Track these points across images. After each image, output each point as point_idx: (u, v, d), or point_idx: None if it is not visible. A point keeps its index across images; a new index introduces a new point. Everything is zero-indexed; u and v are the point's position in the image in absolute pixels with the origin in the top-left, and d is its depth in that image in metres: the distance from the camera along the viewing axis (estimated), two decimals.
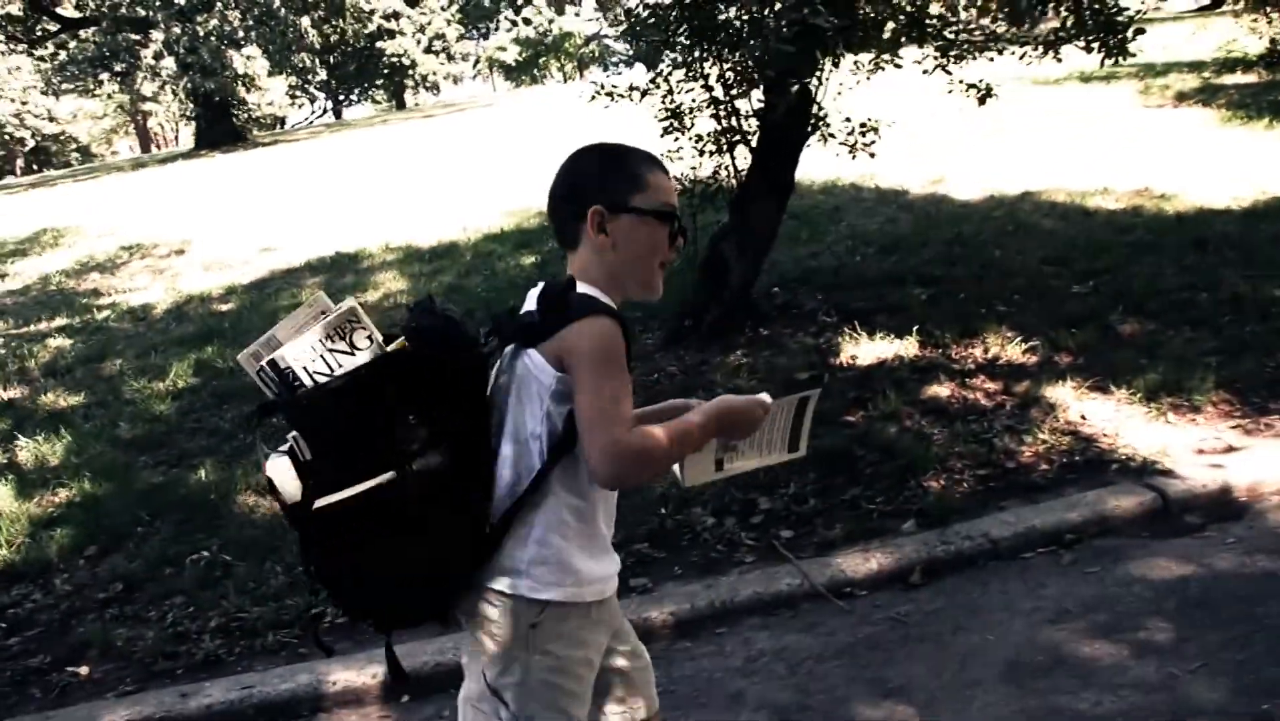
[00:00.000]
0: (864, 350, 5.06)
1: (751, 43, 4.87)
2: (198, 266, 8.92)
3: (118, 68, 19.56)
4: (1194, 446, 3.99)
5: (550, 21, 37.78)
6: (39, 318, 7.76)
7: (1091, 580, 3.25)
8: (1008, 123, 10.00)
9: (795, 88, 4.94)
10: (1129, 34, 5.09)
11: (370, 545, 1.59)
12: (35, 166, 31.68)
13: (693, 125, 5.57)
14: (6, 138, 29.18)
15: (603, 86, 5.52)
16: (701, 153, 5.49)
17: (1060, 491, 3.78)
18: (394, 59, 30.19)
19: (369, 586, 1.65)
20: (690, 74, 5.34)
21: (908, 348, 5.03)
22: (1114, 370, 4.59)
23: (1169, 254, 5.96)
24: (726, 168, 5.49)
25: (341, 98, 34.14)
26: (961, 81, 5.31)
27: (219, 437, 5.10)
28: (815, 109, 5.43)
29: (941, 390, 4.61)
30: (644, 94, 5.54)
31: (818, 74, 5.35)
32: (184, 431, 5.23)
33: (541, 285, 1.68)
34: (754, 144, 5.44)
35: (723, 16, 5.13)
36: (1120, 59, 5.29)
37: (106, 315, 7.58)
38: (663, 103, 5.48)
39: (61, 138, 32.68)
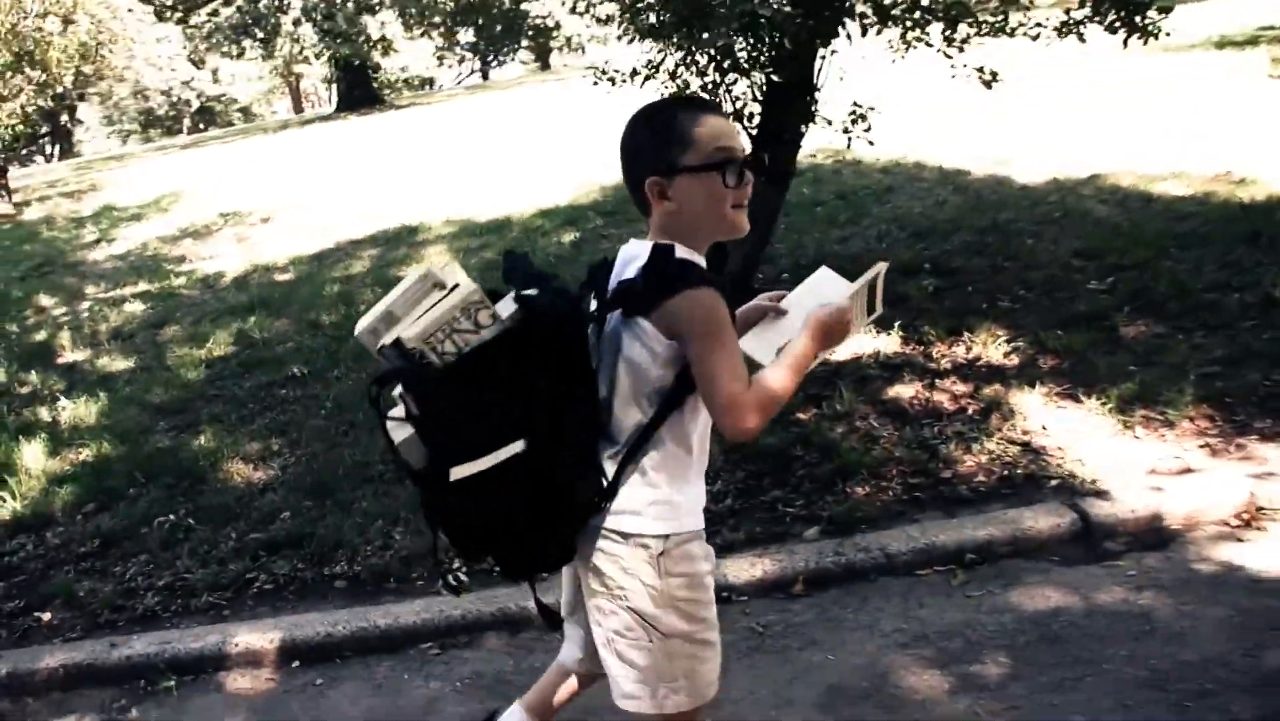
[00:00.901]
0: (844, 344, 5.00)
1: (760, 18, 4.81)
2: (280, 234, 9.54)
3: (259, 35, 20.80)
4: (1149, 465, 3.81)
5: None
6: (125, 282, 8.52)
7: (967, 605, 3.20)
8: (1105, 97, 9.43)
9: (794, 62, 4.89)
10: (1151, 12, 4.79)
11: (502, 506, 1.79)
12: (201, 125, 34.11)
13: None
14: (175, 99, 31.64)
15: (603, 70, 5.58)
16: None
17: (984, 507, 3.70)
18: (538, 20, 30.69)
19: (499, 540, 1.89)
20: (688, 58, 5.33)
21: (889, 343, 4.95)
22: (1095, 377, 4.41)
23: (1216, 248, 5.57)
24: None
25: (490, 59, 34.99)
26: (965, 66, 5.11)
27: (231, 405, 5.55)
28: (815, 94, 5.36)
29: (906, 390, 4.54)
30: (646, 78, 5.58)
31: (821, 56, 5.29)
32: (205, 398, 5.71)
33: (645, 252, 1.81)
34: (754, 131, 5.43)
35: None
36: (1146, 39, 5.00)
37: (182, 282, 8.25)
38: (662, 89, 5.51)
39: (224, 99, 35.10)
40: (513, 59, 38.32)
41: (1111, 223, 6.20)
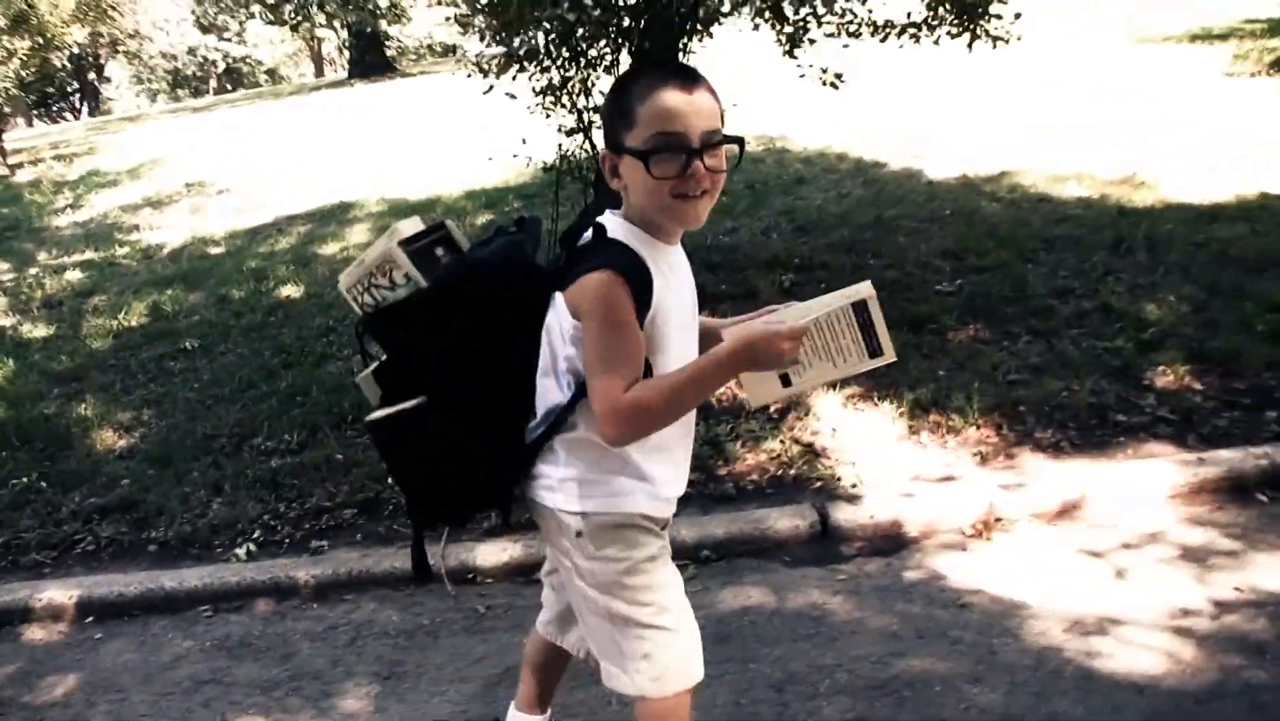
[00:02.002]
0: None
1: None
2: (231, 207, 9.94)
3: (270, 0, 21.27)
4: (914, 472, 4.04)
5: None
6: (75, 250, 8.98)
7: None
8: (1057, 94, 9.50)
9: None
10: (987, 18, 4.97)
11: (407, 456, 1.89)
12: (228, 86, 34.86)
13: (568, 101, 5.79)
14: (201, 60, 32.41)
15: (477, 61, 5.81)
16: (562, 130, 5.73)
17: (742, 505, 3.94)
18: None
19: (407, 485, 1.98)
20: (548, 50, 5.55)
21: None
22: (900, 381, 4.62)
23: (1078, 252, 5.73)
24: (585, 146, 5.73)
25: None
26: (812, 65, 5.31)
27: (121, 375, 5.94)
28: None
29: None
30: (520, 68, 5.79)
31: (684, 46, 5.51)
32: (101, 368, 6.10)
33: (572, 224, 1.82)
34: None
35: None
36: (995, 44, 5.18)
37: (125, 252, 8.68)
38: (530, 81, 5.74)
39: (249, 60, 35.79)
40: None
41: (992, 223, 6.35)
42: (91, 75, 31.04)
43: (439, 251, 1.88)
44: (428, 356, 1.82)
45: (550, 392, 1.81)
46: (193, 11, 22.36)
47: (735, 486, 4.07)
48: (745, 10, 5.38)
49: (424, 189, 9.39)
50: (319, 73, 32.52)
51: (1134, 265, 5.49)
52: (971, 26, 5.00)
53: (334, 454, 4.61)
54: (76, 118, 31.39)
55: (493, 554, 3.78)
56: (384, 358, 1.92)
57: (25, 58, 13.80)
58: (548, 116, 5.81)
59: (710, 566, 3.65)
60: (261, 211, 9.49)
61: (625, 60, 5.60)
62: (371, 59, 23.35)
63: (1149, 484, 3.76)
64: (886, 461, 4.12)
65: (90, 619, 3.81)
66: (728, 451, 4.28)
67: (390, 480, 2.24)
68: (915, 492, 3.88)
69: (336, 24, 22.67)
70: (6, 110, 15.33)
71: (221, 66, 34.62)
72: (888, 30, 5.24)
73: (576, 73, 5.47)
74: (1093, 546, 3.46)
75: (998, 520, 3.70)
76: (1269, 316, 4.76)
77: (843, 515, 3.78)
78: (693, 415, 1.89)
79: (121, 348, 6.41)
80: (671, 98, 1.64)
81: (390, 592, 3.72)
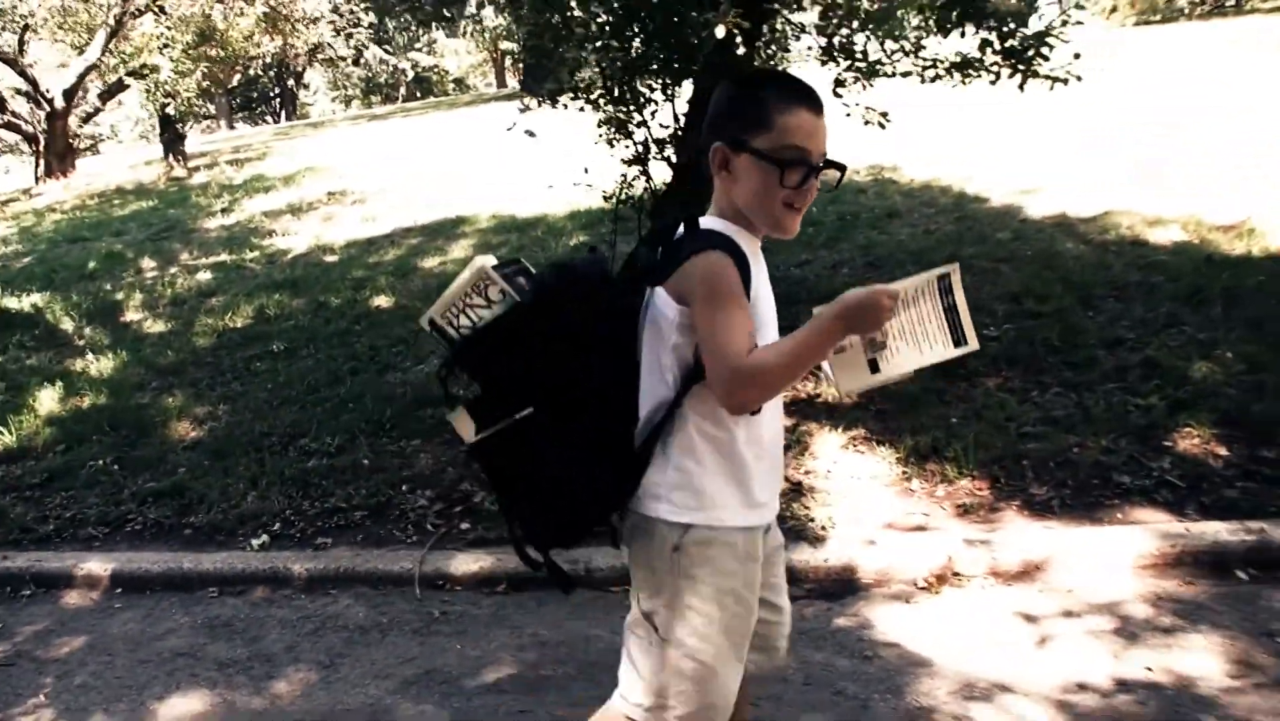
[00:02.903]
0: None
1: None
2: (362, 216, 10.74)
3: (446, 14, 22.62)
4: (891, 519, 4.10)
5: None
6: (214, 253, 9.96)
7: (598, 623, 3.66)
8: (1180, 129, 9.05)
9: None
10: (1035, 53, 4.95)
11: (522, 473, 1.90)
12: (418, 94, 37.08)
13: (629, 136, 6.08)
14: (392, 68, 34.77)
15: (524, 100, 6.18)
16: (626, 161, 6.02)
17: None
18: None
19: (523, 508, 1.97)
20: (606, 89, 5.87)
21: None
22: (906, 426, 4.66)
23: (1147, 302, 5.55)
24: (638, 178, 5.99)
25: None
26: (858, 105, 5.40)
27: (212, 371, 6.65)
28: None
29: None
30: (560, 102, 6.08)
31: None
32: (199, 364, 6.84)
33: (665, 222, 1.89)
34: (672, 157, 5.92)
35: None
36: (1051, 85, 5.15)
37: (254, 256, 9.58)
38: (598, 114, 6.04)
39: (438, 70, 37.95)
40: None
41: (1069, 266, 6.20)
42: (291, 82, 33.78)
43: (520, 280, 1.91)
44: (531, 367, 1.85)
45: (655, 390, 1.85)
46: (371, 25, 24.07)
47: None
48: (810, 49, 5.53)
49: (535, 207, 9.89)
50: (500, 84, 34.13)
51: (1202, 318, 5.28)
52: (1022, 68, 4.98)
53: (362, 458, 5.08)
54: (276, 121, 34.21)
55: (464, 564, 4.12)
56: (472, 393, 1.95)
57: (209, 69, 15.36)
58: (611, 146, 6.12)
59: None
60: (385, 221, 10.24)
61: (686, 91, 5.85)
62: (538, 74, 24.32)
63: (1120, 551, 3.70)
64: (868, 506, 4.20)
65: (119, 590, 4.38)
66: None
67: (500, 509, 2.09)
68: (880, 540, 3.95)
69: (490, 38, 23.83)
70: (194, 116, 16.97)
71: (410, 75, 37.00)
72: (936, 70, 5.27)
73: (634, 107, 5.76)
74: (1034, 610, 3.46)
75: (955, 575, 3.73)
76: None
77: (800, 557, 3.89)
78: (771, 432, 1.93)
79: (220, 346, 7.15)
80: (807, 116, 1.78)
81: (369, 591, 4.11)
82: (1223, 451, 4.23)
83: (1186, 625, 3.25)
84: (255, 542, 4.53)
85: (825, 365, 1.90)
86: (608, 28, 4.95)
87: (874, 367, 1.87)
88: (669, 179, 5.99)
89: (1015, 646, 3.25)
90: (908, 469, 4.40)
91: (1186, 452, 4.25)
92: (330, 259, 9.08)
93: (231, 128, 32.13)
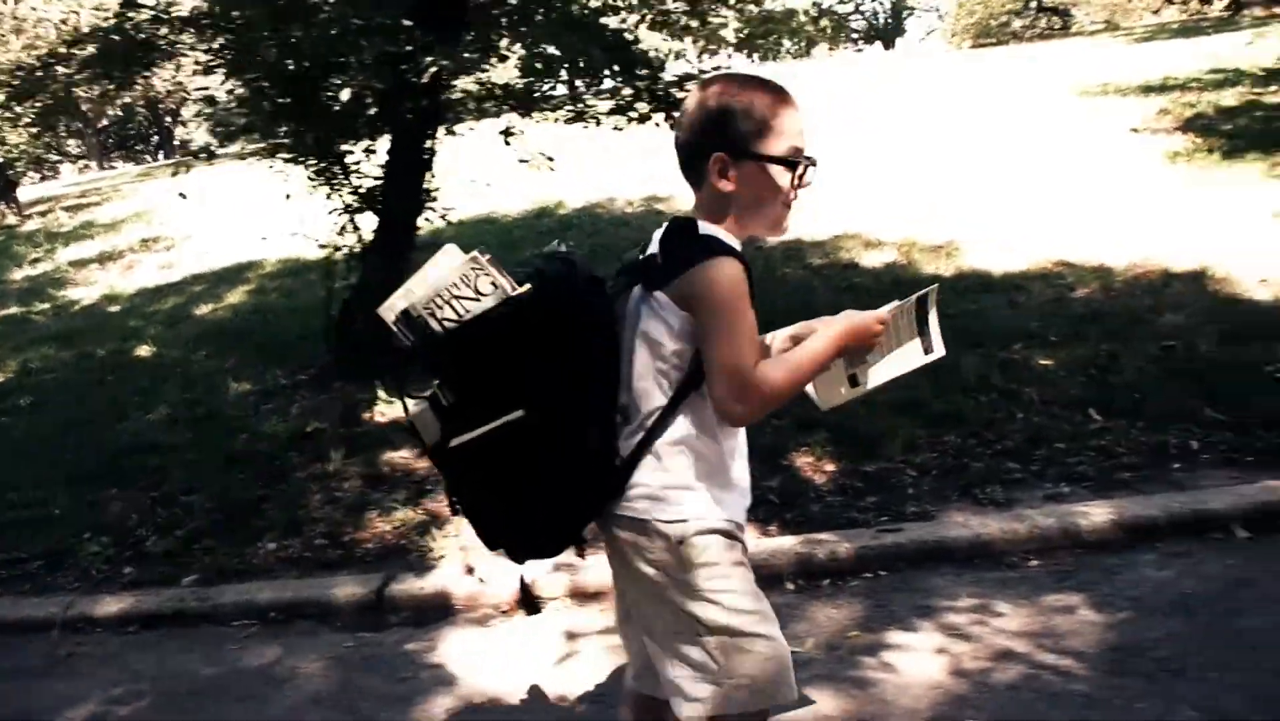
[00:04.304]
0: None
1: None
2: (164, 265, 10.93)
3: None
4: None
5: None
6: (7, 305, 10.09)
7: (207, 659, 3.95)
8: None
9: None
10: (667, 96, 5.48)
11: (502, 480, 1.84)
12: None
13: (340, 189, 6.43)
14: None
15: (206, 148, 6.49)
16: (333, 211, 6.38)
17: (351, 569, 4.40)
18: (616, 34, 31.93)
19: (503, 518, 1.92)
20: (299, 147, 6.19)
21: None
22: None
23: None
24: (347, 228, 6.36)
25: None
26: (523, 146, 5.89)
27: None
28: (429, 175, 6.22)
29: (400, 456, 5.31)
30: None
31: (430, 136, 6.14)
32: None
33: (664, 226, 1.87)
34: (379, 206, 6.31)
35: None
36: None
37: (44, 308, 9.73)
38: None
39: None
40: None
41: (772, 288, 6.69)
42: (169, 119, 33.54)
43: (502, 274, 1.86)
44: (522, 364, 1.80)
45: (648, 395, 1.85)
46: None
47: (345, 552, 4.60)
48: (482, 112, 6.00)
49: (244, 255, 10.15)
50: None
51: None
52: (668, 109, 5.52)
53: (55, 509, 5.33)
54: (154, 160, 33.93)
55: (108, 605, 4.37)
56: (432, 393, 1.89)
57: (35, 118, 15.33)
58: (329, 197, 6.48)
59: (272, 626, 4.18)
60: (181, 269, 10.46)
61: (384, 145, 6.25)
62: None
63: None
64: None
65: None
66: (359, 519, 4.81)
67: (470, 517, 1.96)
68: (480, 567, 4.28)
69: None
70: (34, 162, 16.96)
71: None
72: (596, 114, 5.79)
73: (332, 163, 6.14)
74: (583, 629, 3.80)
75: (536, 597, 4.10)
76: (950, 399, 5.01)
77: (403, 585, 4.24)
78: (744, 446, 1.97)
79: None
80: (798, 115, 1.84)
81: (10, 638, 4.37)
82: (829, 467, 4.68)
83: None
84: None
85: None
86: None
87: (853, 382, 1.95)
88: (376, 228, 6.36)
89: (545, 663, 3.58)
90: None
91: (800, 470, 4.69)
92: (114, 309, 9.29)
93: (104, 167, 31.81)
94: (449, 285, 1.77)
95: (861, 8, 40.23)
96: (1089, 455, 4.57)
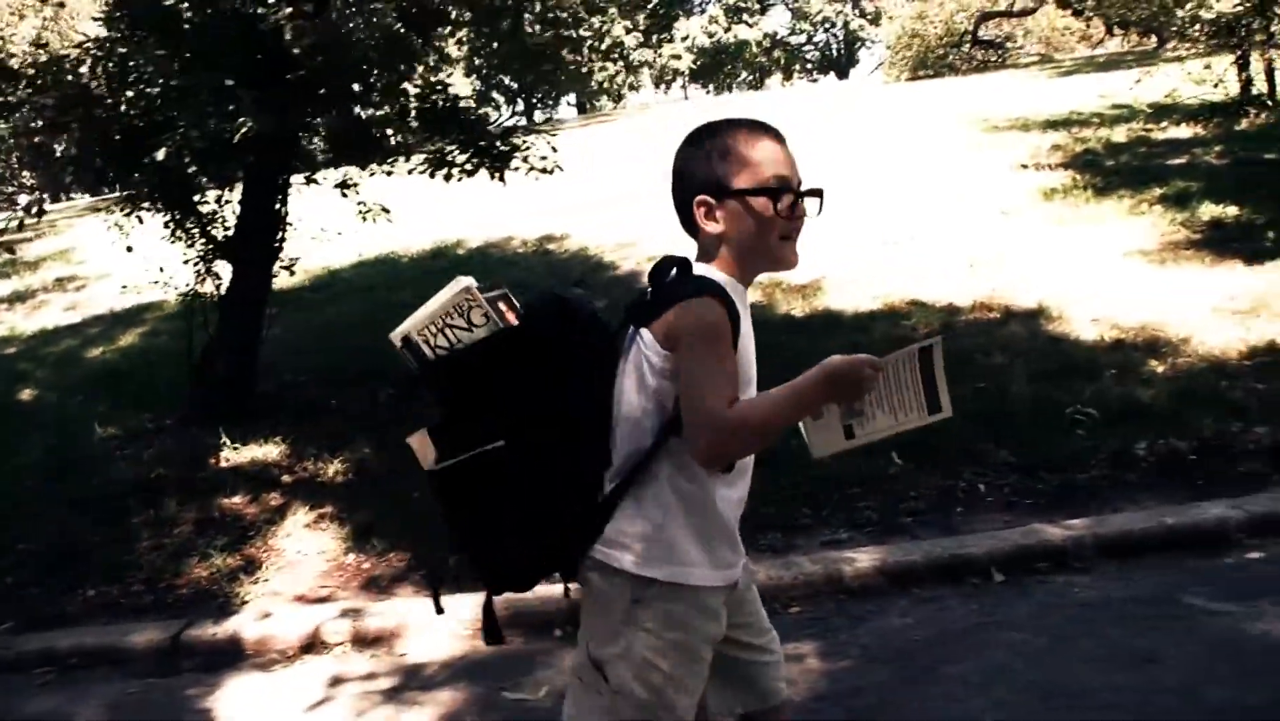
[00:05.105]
0: (242, 454, 5.89)
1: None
2: (64, 305, 11.01)
3: None
4: (303, 593, 4.62)
5: (727, 30, 38.08)
6: None
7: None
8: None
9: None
10: (505, 151, 5.69)
11: (481, 508, 1.85)
12: None
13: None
14: None
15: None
16: (187, 261, 6.54)
17: (157, 616, 4.54)
18: (571, 65, 32.21)
19: (481, 545, 1.91)
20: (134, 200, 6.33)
21: (269, 453, 5.87)
22: (362, 504, 5.20)
23: None
24: (203, 275, 6.51)
25: (535, 102, 37.03)
26: (362, 202, 6.08)
27: None
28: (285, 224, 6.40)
29: (235, 500, 5.46)
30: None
31: (283, 181, 6.32)
32: None
33: (657, 262, 1.87)
34: (235, 254, 6.46)
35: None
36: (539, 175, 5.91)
37: None
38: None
39: None
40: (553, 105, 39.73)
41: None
42: None
43: (501, 307, 1.89)
44: (508, 396, 1.83)
45: (631, 436, 1.84)
46: None
47: (157, 598, 4.71)
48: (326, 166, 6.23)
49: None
50: None
51: None
52: (498, 165, 5.73)
53: None
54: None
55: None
56: (435, 421, 1.91)
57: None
58: (190, 246, 6.62)
59: (71, 673, 4.28)
60: (85, 309, 10.47)
61: (236, 196, 6.42)
62: None
63: (463, 617, 4.17)
64: (296, 581, 4.71)
65: None
66: (180, 565, 4.94)
67: (452, 540, 1.99)
68: (278, 612, 4.45)
69: None
70: None
71: None
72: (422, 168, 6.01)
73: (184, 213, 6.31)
74: (351, 674, 3.96)
75: (321, 644, 4.25)
76: None
77: (199, 631, 4.36)
78: (743, 488, 1.94)
79: None
80: (776, 146, 1.85)
81: None
82: None
83: (453, 679, 3.80)
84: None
85: (801, 425, 1.89)
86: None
87: (849, 433, 1.90)
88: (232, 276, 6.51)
89: (325, 708, 3.73)
90: (351, 545, 4.94)
91: None
92: (9, 351, 9.39)
93: (61, 199, 31.66)
94: (444, 314, 1.83)
95: (815, 39, 40.77)
96: (880, 499, 4.73)
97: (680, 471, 1.80)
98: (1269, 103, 10.29)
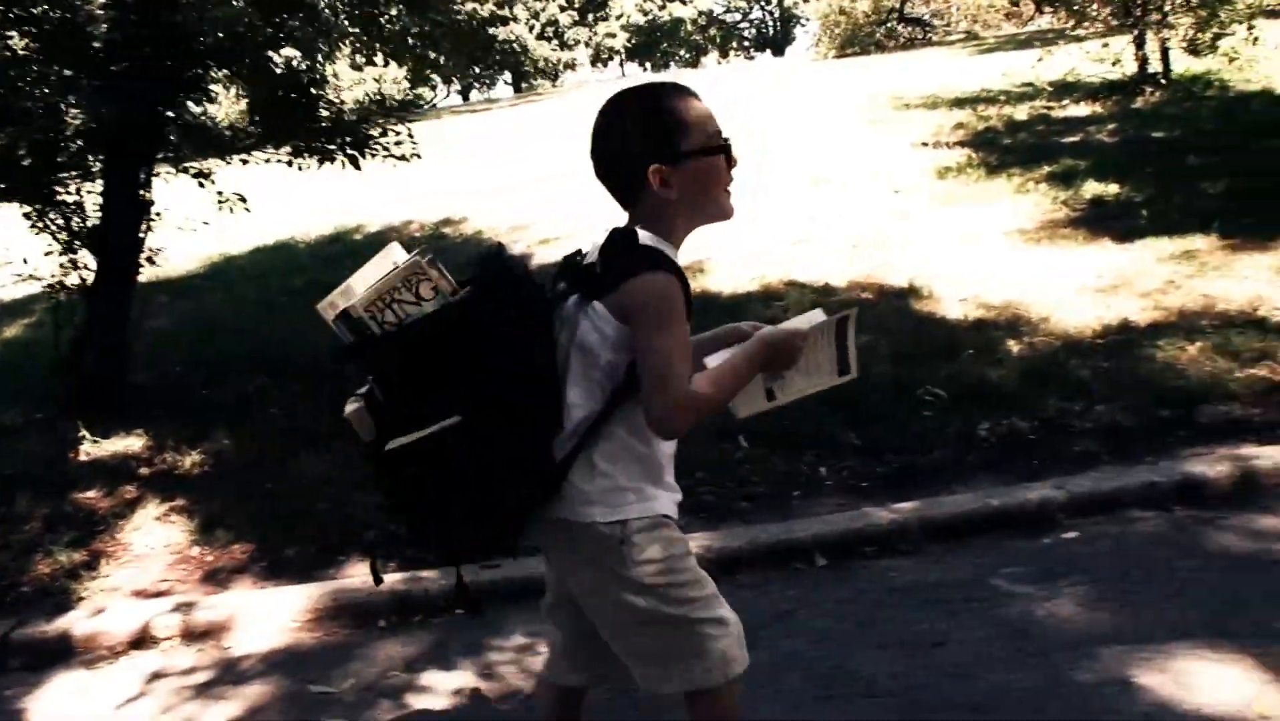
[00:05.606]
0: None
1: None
2: None
3: None
4: (143, 587, 4.55)
5: (662, 8, 37.94)
6: None
7: None
8: None
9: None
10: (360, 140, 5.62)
11: (438, 482, 1.85)
12: None
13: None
14: None
15: None
16: (49, 253, 6.41)
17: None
18: (505, 45, 32.02)
19: (437, 519, 1.93)
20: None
21: (131, 446, 5.80)
22: (214, 494, 5.15)
23: None
24: (67, 264, 6.38)
25: (472, 83, 36.76)
26: (220, 192, 5.99)
27: None
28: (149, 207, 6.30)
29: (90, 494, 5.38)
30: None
31: (145, 172, 6.21)
32: None
33: (605, 235, 1.90)
34: (99, 245, 6.34)
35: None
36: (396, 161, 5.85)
37: None
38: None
39: None
40: (488, 85, 39.55)
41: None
42: None
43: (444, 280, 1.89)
44: (461, 370, 1.83)
45: (583, 402, 1.90)
46: None
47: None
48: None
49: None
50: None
51: None
52: (353, 153, 5.68)
53: None
54: None
55: None
56: (368, 389, 1.91)
57: None
58: (55, 236, 6.48)
59: None
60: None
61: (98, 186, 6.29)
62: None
63: (287, 608, 4.20)
64: (138, 575, 4.62)
65: None
66: (25, 562, 4.85)
67: (403, 517, 2.07)
68: (113, 607, 4.36)
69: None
70: None
71: None
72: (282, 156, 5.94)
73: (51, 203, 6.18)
74: (177, 668, 3.93)
75: (151, 638, 4.20)
76: None
77: (30, 629, 4.27)
78: (674, 445, 2.03)
79: None
80: (704, 105, 1.94)
81: None
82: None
83: (282, 677, 3.77)
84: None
85: None
86: None
87: (770, 395, 2.06)
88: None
89: (148, 704, 3.70)
90: (197, 537, 4.89)
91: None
92: None
93: None
94: (391, 289, 1.81)
95: (751, 17, 40.68)
96: (722, 485, 4.74)
97: (632, 433, 1.89)
98: (1163, 81, 10.40)
